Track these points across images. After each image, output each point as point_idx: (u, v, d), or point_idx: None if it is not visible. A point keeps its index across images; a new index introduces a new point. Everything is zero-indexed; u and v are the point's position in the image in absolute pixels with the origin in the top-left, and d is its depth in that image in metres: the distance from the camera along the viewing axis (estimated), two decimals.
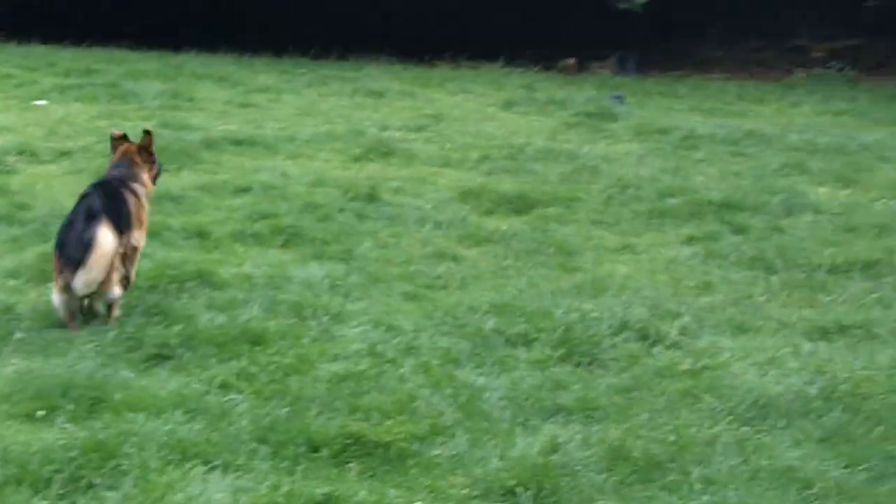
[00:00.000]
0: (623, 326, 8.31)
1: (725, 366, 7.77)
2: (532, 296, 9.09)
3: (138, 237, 8.75)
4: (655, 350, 8.04)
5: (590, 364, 7.79)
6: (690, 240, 11.38)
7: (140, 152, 9.07)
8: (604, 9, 28.79)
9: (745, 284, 9.87)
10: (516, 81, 22.59)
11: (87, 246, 8.08)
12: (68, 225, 8.30)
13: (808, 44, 30.47)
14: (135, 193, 8.81)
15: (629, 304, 8.85)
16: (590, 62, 27.86)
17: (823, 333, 8.66)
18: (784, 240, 11.27)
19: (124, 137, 9.18)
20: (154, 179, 9.22)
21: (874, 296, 9.63)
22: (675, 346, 8.15)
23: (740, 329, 8.64)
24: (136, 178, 8.91)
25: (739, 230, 11.71)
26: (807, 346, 8.23)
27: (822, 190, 13.88)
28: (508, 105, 19.33)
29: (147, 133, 9.22)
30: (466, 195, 12.59)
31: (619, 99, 20.79)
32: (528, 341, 8.08)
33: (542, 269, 10.09)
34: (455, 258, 10.36)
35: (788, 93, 24.01)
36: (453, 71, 24.01)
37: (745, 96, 23.09)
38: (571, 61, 27.40)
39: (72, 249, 8.12)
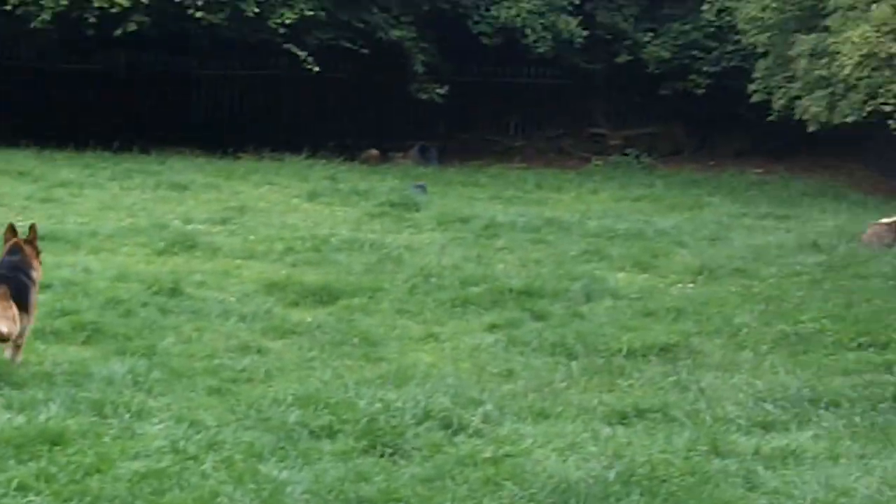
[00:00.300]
0: (426, 416, 8.37)
1: (527, 452, 7.87)
2: (336, 387, 9.10)
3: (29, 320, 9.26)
4: (458, 439, 8.11)
5: (393, 454, 7.82)
6: (493, 327, 11.54)
7: (28, 244, 9.71)
8: (405, 100, 29.12)
9: (547, 371, 10.03)
10: (320, 173, 22.69)
11: None
12: None
13: (605, 132, 31.18)
14: (31, 279, 9.30)
15: (432, 393, 8.91)
16: (392, 153, 28.10)
17: (622, 418, 8.82)
18: (584, 325, 11.49)
19: (13, 230, 9.72)
20: None
21: (671, 379, 9.86)
22: (477, 434, 8.23)
23: (541, 415, 8.76)
24: (30, 266, 9.53)
25: (540, 317, 11.91)
26: (606, 431, 8.38)
27: (621, 275, 14.22)
28: (313, 196, 19.42)
29: (32, 227, 9.93)
30: (271, 287, 12.60)
31: (422, 189, 21.04)
32: (332, 433, 8.08)
33: (346, 360, 10.13)
34: (260, 351, 10.34)
35: (587, 180, 24.56)
36: (257, 163, 24.01)
37: (544, 185, 23.54)
38: (374, 152, 27.64)
39: None
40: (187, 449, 7.71)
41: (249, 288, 12.61)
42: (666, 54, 29.33)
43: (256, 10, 25.03)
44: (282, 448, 7.82)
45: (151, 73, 28.87)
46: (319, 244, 15.06)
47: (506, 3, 28.07)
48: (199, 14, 24.87)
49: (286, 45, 25.88)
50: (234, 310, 11.55)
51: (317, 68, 25.84)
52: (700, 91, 29.50)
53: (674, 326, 11.63)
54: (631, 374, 10.03)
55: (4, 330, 8.93)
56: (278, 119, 29.84)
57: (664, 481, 7.43)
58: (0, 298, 9.03)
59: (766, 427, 8.71)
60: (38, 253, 9.85)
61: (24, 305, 9.28)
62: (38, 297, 9.77)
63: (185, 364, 9.77)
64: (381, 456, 7.80)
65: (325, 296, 12.34)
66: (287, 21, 25.19)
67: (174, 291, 12.07)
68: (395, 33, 26.67)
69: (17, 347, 9.37)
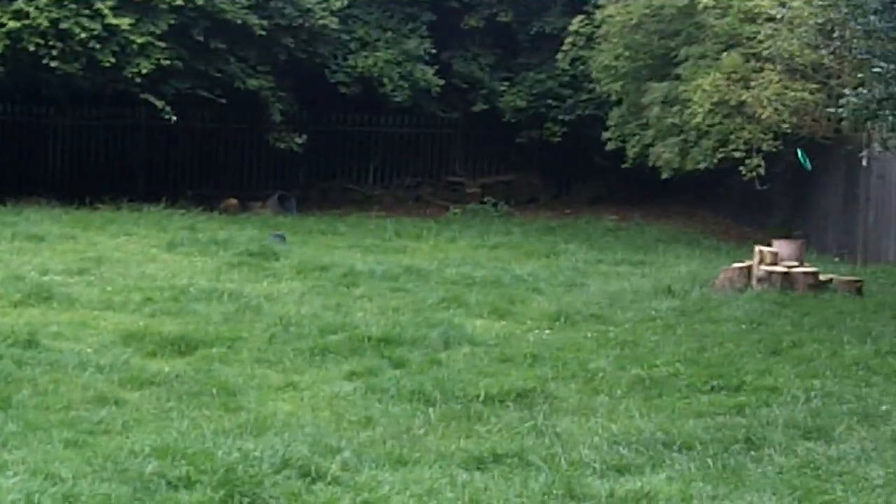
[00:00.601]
0: (285, 464, 8.37)
1: (385, 499, 7.92)
2: (194, 437, 9.06)
3: None
4: (316, 486, 8.13)
5: None
6: (352, 375, 11.57)
7: None
8: (263, 149, 29.14)
9: (405, 418, 10.09)
10: (179, 223, 22.58)
11: None
12: None
13: (463, 180, 31.44)
14: None
15: (291, 442, 8.92)
16: (251, 202, 28.06)
17: (479, 463, 8.91)
18: (442, 372, 11.56)
19: None
20: None
21: (527, 424, 9.97)
22: (335, 481, 8.26)
23: (400, 462, 8.81)
24: None
25: (399, 364, 11.97)
26: (463, 477, 8.45)
27: (479, 322, 14.34)
28: (171, 246, 19.32)
29: None
30: (129, 338, 12.52)
31: (281, 238, 21.05)
32: (189, 483, 8.04)
33: (205, 410, 10.09)
34: (117, 402, 10.26)
35: (445, 228, 24.73)
36: (115, 213, 23.81)
37: (403, 233, 23.67)
38: (233, 201, 27.58)
39: None
40: (42, 502, 7.63)
41: (107, 339, 12.51)
42: (522, 103, 29.71)
43: (112, 59, 24.90)
44: (138, 499, 7.77)
45: (6, 122, 28.52)
46: (178, 294, 14.99)
47: (363, 53, 28.25)
48: (54, 63, 24.67)
49: (143, 95, 25.75)
50: (91, 361, 11.44)
51: (174, 118, 25.75)
52: (556, 139, 29.93)
53: (531, 372, 11.76)
54: (488, 419, 10.13)
55: None
56: (136, 169, 29.63)
57: None
58: None
59: (621, 470, 8.85)
60: None
61: None
62: None
63: (40, 416, 9.67)
64: None
65: (183, 346, 12.28)
66: (143, 71, 25.09)
67: (30, 343, 11.93)
68: (252, 83, 26.67)
69: None
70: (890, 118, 14.00)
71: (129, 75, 25.17)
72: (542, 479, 8.42)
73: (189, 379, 11.05)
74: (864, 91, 14.52)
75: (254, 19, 26.11)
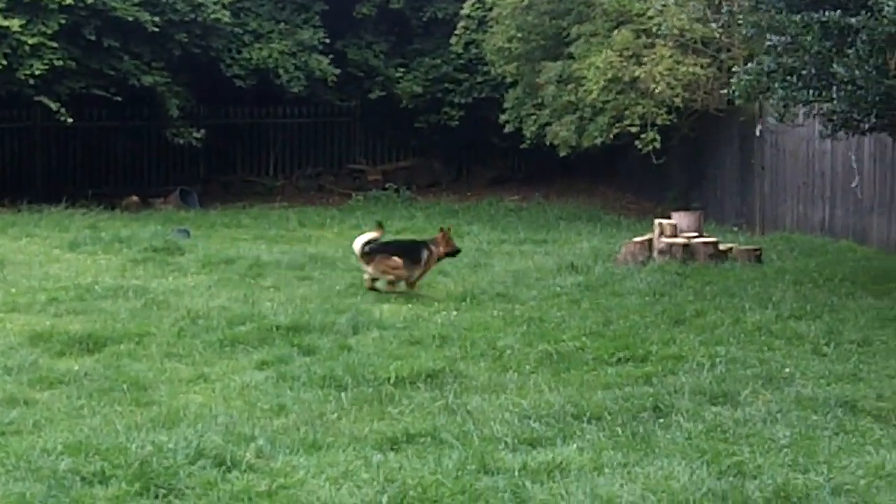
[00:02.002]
0: (199, 454, 8.39)
1: (301, 483, 7.97)
2: (107, 433, 9.05)
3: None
4: (232, 475, 8.15)
5: (167, 495, 7.82)
6: (263, 364, 11.59)
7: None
8: (162, 145, 29.02)
9: (318, 403, 10.13)
10: (80, 222, 22.45)
11: None
12: None
13: (364, 168, 31.51)
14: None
15: (204, 432, 8.93)
16: (153, 199, 27.94)
17: (393, 444, 8.98)
18: (352, 357, 11.61)
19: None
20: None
21: (439, 403, 10.06)
22: (251, 469, 8.28)
23: (314, 447, 8.86)
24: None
25: (309, 351, 12.01)
26: (377, 458, 8.51)
27: (386, 307, 14.42)
28: (74, 246, 19.20)
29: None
30: (36, 338, 12.43)
31: (185, 232, 21.00)
32: (104, 478, 8.03)
33: (116, 406, 10.05)
34: (27, 402, 10.20)
35: (349, 216, 24.81)
36: (15, 216, 23.60)
37: (307, 222, 23.70)
38: (134, 199, 27.44)
39: None
40: None
41: (13, 340, 12.42)
42: (418, 89, 29.84)
43: (4, 62, 24.65)
44: (53, 497, 7.76)
45: None
46: (83, 293, 14.92)
47: (257, 45, 28.20)
48: None
49: (37, 97, 25.52)
50: None
51: (70, 118, 25.54)
52: (454, 123, 30.10)
53: (440, 352, 11.85)
54: (400, 401, 10.20)
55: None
56: (34, 170, 29.39)
57: (436, 501, 7.62)
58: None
59: (533, 443, 8.96)
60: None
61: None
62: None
63: None
64: (156, 497, 7.80)
65: (91, 344, 12.22)
66: (37, 72, 24.86)
67: None
68: (147, 79, 26.52)
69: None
70: (780, 90, 14.23)
71: (22, 77, 24.94)
72: (456, 456, 8.51)
73: (99, 376, 11.01)
74: (754, 65, 14.76)
75: (145, 16, 25.96)
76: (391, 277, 15.44)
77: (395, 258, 15.37)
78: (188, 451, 8.44)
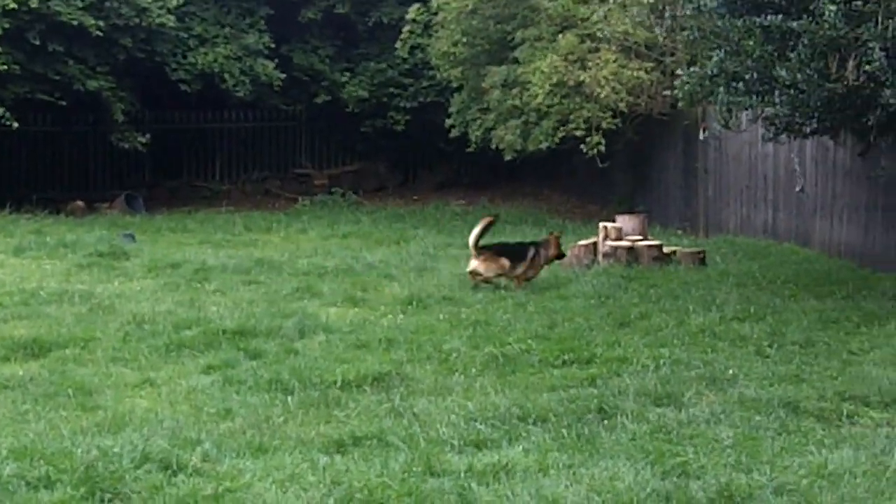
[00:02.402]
0: (145, 458, 8.38)
1: (247, 487, 7.98)
2: (52, 438, 9.03)
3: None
4: (178, 479, 8.15)
5: (113, 499, 7.81)
6: (209, 369, 11.57)
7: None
8: (108, 150, 28.92)
9: (264, 407, 10.13)
10: (25, 227, 22.33)
11: None
12: None
13: (310, 172, 31.51)
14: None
15: (150, 437, 8.93)
16: (98, 203, 27.82)
17: (340, 447, 9.00)
18: (298, 361, 11.62)
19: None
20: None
21: (385, 406, 10.09)
22: (197, 472, 8.29)
23: (260, 450, 8.86)
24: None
25: (255, 355, 12.01)
26: (324, 461, 8.54)
27: (333, 310, 14.43)
28: (19, 251, 19.11)
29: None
30: None
31: (130, 237, 20.94)
32: (49, 483, 8.01)
33: (61, 411, 10.02)
34: None
35: (295, 220, 24.78)
36: None
37: (253, 227, 23.67)
38: (80, 204, 27.31)
39: None
40: None
41: None
42: (364, 93, 29.86)
43: None
44: None
45: None
46: (28, 298, 14.85)
47: (202, 50, 28.12)
48: None
49: None
50: None
51: (15, 123, 25.39)
52: (400, 128, 30.14)
53: (386, 356, 11.89)
54: (346, 404, 10.22)
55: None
56: None
57: None
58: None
59: (479, 445, 9.01)
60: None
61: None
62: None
63: None
64: (102, 502, 7.79)
65: (36, 349, 12.17)
66: None
67: None
68: (92, 84, 26.40)
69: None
70: (723, 95, 14.34)
71: None
72: (402, 459, 8.54)
73: (44, 381, 10.96)
74: (697, 69, 14.88)
75: (90, 20, 25.84)
76: (492, 275, 16.19)
77: (503, 259, 16.21)
78: (134, 455, 8.44)
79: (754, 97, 13.98)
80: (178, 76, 28.15)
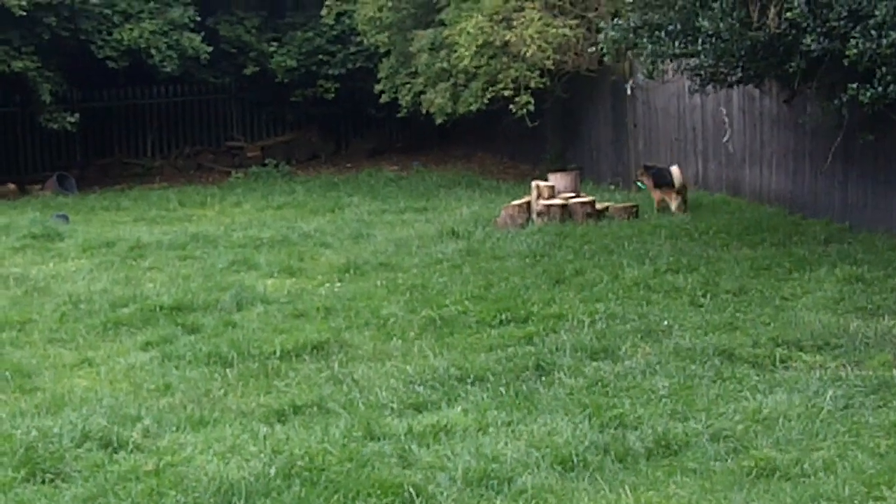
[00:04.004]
0: (85, 437, 8.41)
1: (188, 460, 8.02)
2: None
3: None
4: (119, 456, 8.18)
5: (54, 479, 7.83)
6: (147, 345, 11.59)
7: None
8: (37, 131, 28.68)
9: (203, 381, 10.17)
10: None
11: None
12: None
13: (242, 144, 31.39)
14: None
15: (90, 416, 8.94)
16: (30, 185, 27.61)
17: (280, 416, 9.06)
18: (237, 333, 11.65)
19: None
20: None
21: (325, 374, 10.16)
22: (137, 448, 8.33)
23: (201, 423, 8.90)
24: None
25: (193, 330, 12.03)
26: (265, 430, 8.60)
27: (270, 282, 14.45)
28: None
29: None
30: None
31: (64, 218, 20.81)
32: None
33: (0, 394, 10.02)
34: None
35: (229, 194, 24.71)
36: None
37: (186, 202, 23.58)
38: (11, 186, 27.08)
39: None
40: None
41: None
42: (292, 62, 29.73)
43: None
44: None
45: None
46: None
47: (127, 26, 27.88)
48: None
49: None
50: None
51: None
52: (330, 96, 30.06)
53: (324, 324, 11.93)
54: (286, 374, 10.27)
55: None
56: None
57: (323, 470, 7.71)
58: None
59: (418, 407, 9.10)
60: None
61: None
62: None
63: None
64: (42, 482, 7.81)
65: None
66: None
67: None
68: (17, 64, 26.14)
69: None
70: (648, 46, 14.43)
71: None
72: (342, 424, 8.61)
73: None
74: (621, 21, 14.95)
75: (12, 0, 25.57)
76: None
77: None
78: (74, 434, 8.47)
79: (678, 47, 14.07)
80: (104, 53, 27.91)
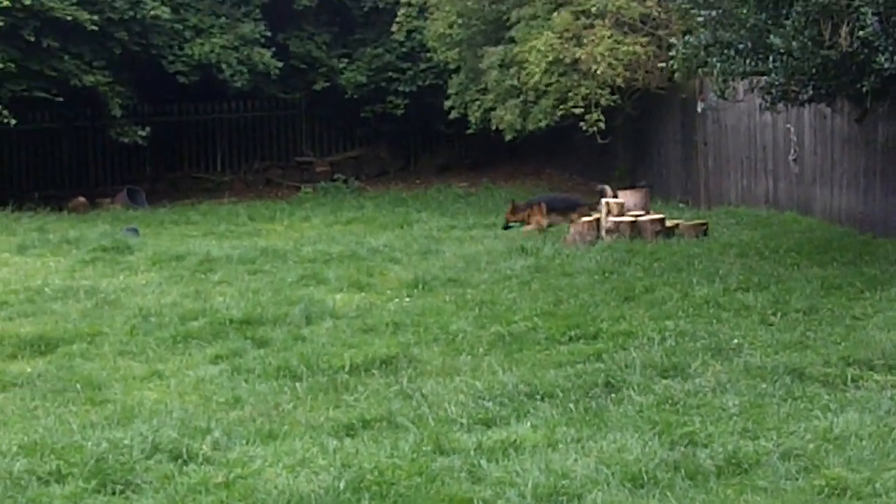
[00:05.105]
0: (155, 449, 8.43)
1: (258, 473, 8.02)
2: (62, 432, 9.07)
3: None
4: (189, 468, 8.20)
5: (124, 490, 7.85)
6: (217, 358, 11.61)
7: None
8: (108, 144, 28.94)
9: (273, 394, 10.18)
10: (28, 225, 22.37)
11: None
12: None
13: (312, 160, 31.53)
14: None
15: (160, 427, 8.97)
16: (100, 199, 27.87)
17: (349, 430, 9.04)
18: (306, 347, 11.66)
19: None
20: None
21: (393, 389, 10.14)
22: (207, 461, 8.34)
23: (270, 436, 8.91)
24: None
25: (263, 343, 12.05)
26: (334, 444, 8.59)
27: (339, 296, 14.46)
28: (23, 249, 19.14)
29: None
30: None
31: (134, 231, 20.97)
32: (60, 477, 8.06)
33: (70, 406, 10.06)
34: None
35: (298, 209, 24.83)
36: None
37: (256, 216, 23.71)
38: (82, 200, 27.35)
39: None
40: None
41: None
42: (362, 78, 29.85)
43: None
44: (10, 497, 7.78)
45: None
46: (33, 295, 14.88)
47: (198, 41, 28.12)
48: None
49: None
50: None
51: (13, 120, 25.42)
52: (399, 112, 30.15)
53: (393, 339, 11.92)
54: (355, 388, 10.26)
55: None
56: None
57: (392, 484, 7.69)
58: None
59: (487, 423, 9.06)
60: None
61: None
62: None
63: None
64: (113, 493, 7.84)
65: (43, 345, 12.21)
66: None
67: None
68: (89, 79, 26.42)
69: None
70: (718, 64, 14.35)
71: None
72: (412, 439, 8.59)
73: (52, 377, 11.00)
74: (692, 39, 14.88)
75: (84, 15, 25.85)
76: None
77: None
78: (144, 446, 8.49)
79: (749, 65, 13.98)
80: (175, 68, 28.16)
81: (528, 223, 19.25)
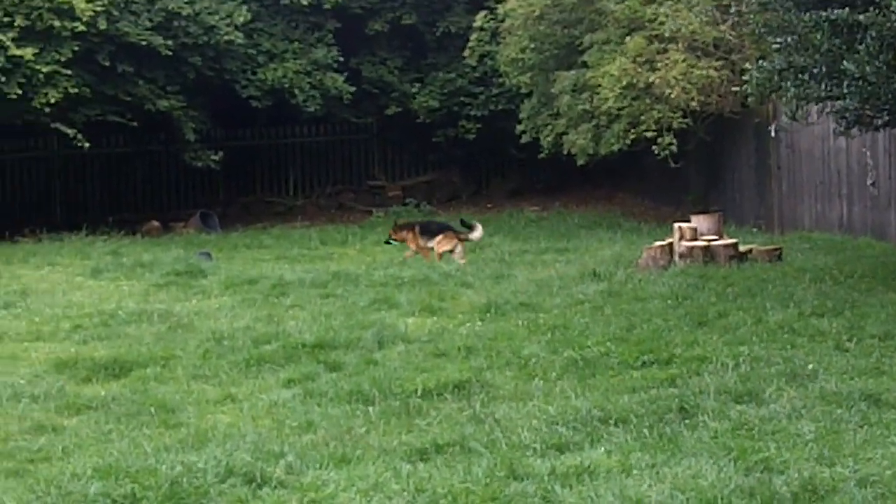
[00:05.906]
0: (229, 472, 8.45)
1: (331, 497, 8.03)
2: (136, 456, 9.12)
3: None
4: (263, 491, 8.21)
5: None
6: (289, 382, 11.64)
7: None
8: (181, 168, 29.16)
9: (345, 418, 10.19)
10: (102, 249, 22.56)
11: None
12: None
13: (383, 184, 31.60)
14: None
15: (233, 451, 8.99)
16: (173, 223, 28.07)
17: (422, 454, 9.03)
18: (378, 371, 11.67)
19: None
20: None
21: (466, 413, 10.11)
22: (281, 484, 8.35)
23: (343, 461, 8.91)
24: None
25: (335, 367, 12.07)
26: (407, 468, 8.58)
27: (411, 320, 14.46)
28: (96, 273, 19.31)
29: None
30: (61, 366, 12.51)
31: (207, 255, 21.10)
32: (135, 500, 8.09)
33: (144, 429, 10.12)
34: (55, 429, 10.27)
35: (370, 233, 24.87)
36: (36, 245, 23.73)
37: (328, 240, 23.80)
38: (155, 224, 27.56)
39: None
40: None
41: (39, 369, 12.50)
42: (434, 103, 29.92)
43: (19, 91, 24.72)
44: None
45: None
46: (107, 319, 15.00)
47: (271, 66, 28.30)
48: None
49: (53, 125, 25.63)
50: (24, 391, 11.43)
51: (87, 144, 25.67)
52: (471, 136, 30.17)
53: (465, 364, 11.90)
54: (427, 412, 10.25)
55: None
56: (53, 199, 29.56)
57: None
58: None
59: (561, 448, 9.01)
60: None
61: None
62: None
63: None
64: None
65: (117, 369, 12.30)
66: (51, 100, 24.95)
67: None
68: (163, 103, 26.65)
69: None
70: (792, 89, 14.26)
71: (38, 105, 25.02)
72: (485, 464, 8.56)
73: (126, 400, 11.08)
74: (766, 64, 14.79)
75: (158, 40, 26.09)
76: None
77: None
78: (218, 469, 8.51)
79: (823, 90, 13.88)
80: (248, 93, 28.35)
81: (408, 244, 20.26)
